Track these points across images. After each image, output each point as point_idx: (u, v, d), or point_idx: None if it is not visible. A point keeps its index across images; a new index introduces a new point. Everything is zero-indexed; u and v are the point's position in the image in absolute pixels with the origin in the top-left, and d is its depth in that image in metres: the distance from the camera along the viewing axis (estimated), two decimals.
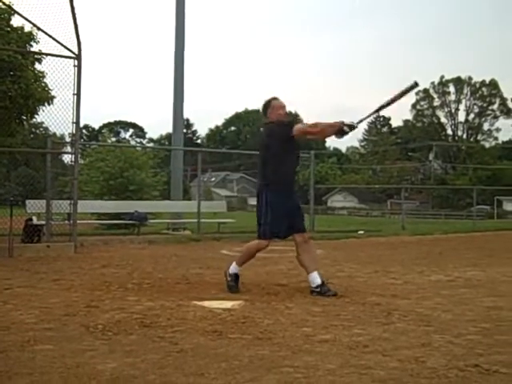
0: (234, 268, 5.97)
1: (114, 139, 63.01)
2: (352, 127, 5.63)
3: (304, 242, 5.90)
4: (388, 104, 5.85)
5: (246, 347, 3.66)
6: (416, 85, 5.85)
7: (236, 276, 5.95)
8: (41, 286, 6.02)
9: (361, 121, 5.79)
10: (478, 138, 76.09)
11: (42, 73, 11.73)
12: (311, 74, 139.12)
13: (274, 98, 6.12)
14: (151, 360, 3.34)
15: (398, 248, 12.22)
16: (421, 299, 5.60)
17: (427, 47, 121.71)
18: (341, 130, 5.63)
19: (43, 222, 10.57)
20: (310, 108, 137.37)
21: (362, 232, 16.68)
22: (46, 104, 11.64)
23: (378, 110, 5.95)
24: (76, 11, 9.38)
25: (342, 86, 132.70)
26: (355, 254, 10.47)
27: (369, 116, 6.00)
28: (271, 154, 5.83)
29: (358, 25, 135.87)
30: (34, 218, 11.06)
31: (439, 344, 3.81)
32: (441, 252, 11.10)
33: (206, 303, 5.10)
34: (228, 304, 5.08)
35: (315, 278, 5.76)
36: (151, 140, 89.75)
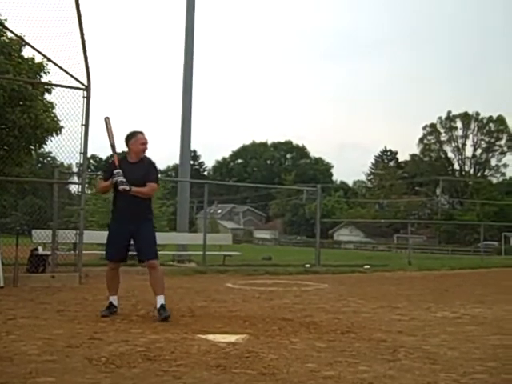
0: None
1: None
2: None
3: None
4: (113, 148, 6.42)
5: (250, 382, 3.62)
6: (108, 119, 6.46)
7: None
8: (44, 317, 6.00)
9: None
10: (486, 173, 76.09)
11: (51, 103, 11.85)
12: (318, 107, 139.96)
13: (140, 132, 6.46)
14: None
15: (404, 283, 12.14)
16: (427, 336, 5.54)
17: (435, 82, 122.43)
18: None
19: (49, 252, 10.56)
20: (317, 142, 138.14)
21: (367, 267, 16.58)
22: (54, 134, 11.74)
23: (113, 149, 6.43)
24: (86, 43, 9.50)
25: (349, 122, 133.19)
26: (361, 289, 10.40)
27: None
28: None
29: (364, 59, 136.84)
30: (40, 248, 11.07)
31: (445, 383, 3.76)
32: (447, 288, 11.02)
33: (210, 337, 5.07)
34: (232, 338, 5.04)
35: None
36: (158, 171, 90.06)
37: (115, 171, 6.16)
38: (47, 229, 11.40)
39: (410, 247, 23.46)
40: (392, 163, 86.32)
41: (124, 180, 6.09)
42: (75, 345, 4.59)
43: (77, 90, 9.84)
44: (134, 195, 6.17)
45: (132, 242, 6.38)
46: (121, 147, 6.60)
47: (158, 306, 6.07)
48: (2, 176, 11.03)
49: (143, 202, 6.30)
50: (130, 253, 6.54)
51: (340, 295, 9.11)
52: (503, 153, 75.00)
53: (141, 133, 6.44)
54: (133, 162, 6.34)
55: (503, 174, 75.73)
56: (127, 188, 6.07)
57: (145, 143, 6.39)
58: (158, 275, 6.28)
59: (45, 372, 3.74)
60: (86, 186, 10.75)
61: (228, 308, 7.12)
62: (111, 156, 6.46)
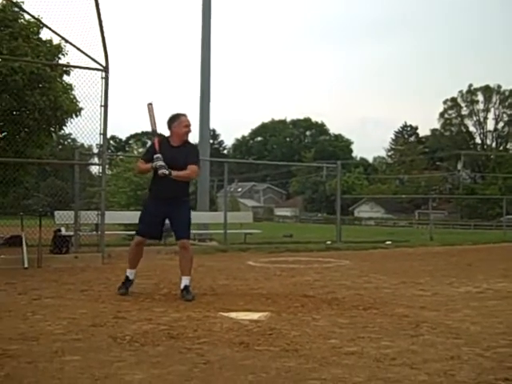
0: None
1: (141, 150, 63.51)
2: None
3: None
4: (155, 134, 6.28)
5: (273, 359, 3.64)
6: (151, 105, 6.35)
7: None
8: (69, 297, 6.07)
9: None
10: (508, 146, 75.24)
11: (70, 85, 11.90)
12: (337, 84, 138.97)
13: (183, 115, 6.37)
14: (178, 372, 3.35)
15: (426, 259, 12.08)
16: (450, 311, 5.52)
17: (455, 56, 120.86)
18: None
19: (71, 233, 10.66)
20: (337, 119, 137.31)
21: (389, 243, 16.54)
22: (73, 116, 11.80)
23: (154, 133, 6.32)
24: (103, 24, 9.48)
25: (368, 98, 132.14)
26: (382, 265, 10.37)
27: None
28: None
29: (387, 37, 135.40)
30: (63, 229, 11.17)
31: (468, 357, 3.75)
32: (470, 263, 10.96)
33: (233, 314, 5.09)
34: (254, 315, 5.06)
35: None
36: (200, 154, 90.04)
37: (155, 156, 6.06)
38: (69, 210, 11.50)
39: (431, 222, 23.33)
40: (412, 138, 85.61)
41: (163, 164, 6.00)
42: (99, 324, 4.64)
43: (95, 72, 9.83)
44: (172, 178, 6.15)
45: (167, 222, 6.38)
46: (163, 131, 6.57)
47: (182, 286, 6.09)
48: (24, 158, 11.13)
49: (181, 185, 6.25)
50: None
51: (361, 271, 9.11)
52: None
53: (184, 115, 6.33)
54: (175, 145, 6.23)
55: None
56: (166, 173, 5.99)
57: (188, 125, 6.29)
58: (187, 256, 6.28)
59: (70, 351, 3.78)
60: (107, 166, 10.80)
61: (250, 286, 7.15)
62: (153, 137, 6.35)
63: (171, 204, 6.21)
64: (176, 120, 6.26)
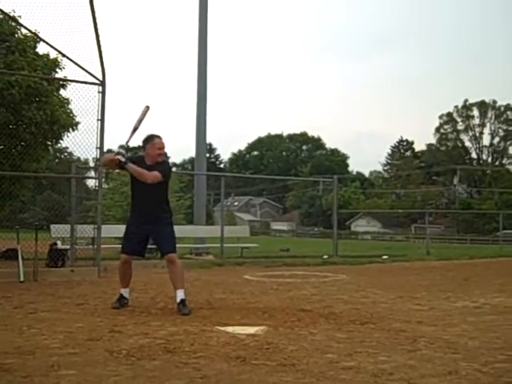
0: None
1: None
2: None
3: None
4: (133, 131, 6.30)
5: (270, 374, 3.62)
6: (147, 108, 6.43)
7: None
8: (65, 311, 6.04)
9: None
10: (504, 161, 75.44)
11: (67, 99, 11.91)
12: (333, 99, 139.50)
13: (157, 136, 6.43)
14: None
15: (423, 273, 12.08)
16: (447, 326, 5.51)
17: (451, 71, 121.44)
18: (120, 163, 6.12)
19: (67, 247, 10.63)
20: (333, 133, 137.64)
21: (386, 257, 16.53)
22: (70, 130, 11.80)
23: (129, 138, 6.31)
24: (100, 38, 9.51)
25: (364, 113, 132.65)
26: (379, 280, 10.37)
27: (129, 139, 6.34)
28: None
29: (382, 52, 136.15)
30: (59, 243, 11.14)
31: (466, 372, 3.74)
32: (467, 278, 10.95)
33: (230, 329, 5.08)
34: (251, 330, 5.04)
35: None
36: (174, 165, 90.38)
37: (120, 145, 6.23)
38: (65, 223, 11.48)
39: (427, 237, 23.30)
40: (408, 153, 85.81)
41: (123, 152, 6.09)
42: (96, 338, 4.62)
43: (92, 86, 9.86)
44: (148, 192, 6.19)
45: (151, 240, 6.42)
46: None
47: (178, 300, 6.08)
48: (20, 172, 11.11)
49: (159, 202, 6.32)
50: (148, 246, 6.57)
51: (358, 286, 9.10)
52: None
53: (158, 137, 6.40)
54: (149, 164, 6.30)
55: None
56: (122, 159, 6.05)
57: (161, 148, 6.35)
58: (177, 269, 6.27)
59: (67, 365, 3.76)
60: (103, 180, 10.80)
61: (246, 300, 7.13)
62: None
63: (150, 222, 6.27)
64: (150, 141, 6.36)
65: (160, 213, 6.34)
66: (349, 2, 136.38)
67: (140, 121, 6.37)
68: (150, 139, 6.37)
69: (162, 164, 6.40)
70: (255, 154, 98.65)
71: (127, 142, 6.25)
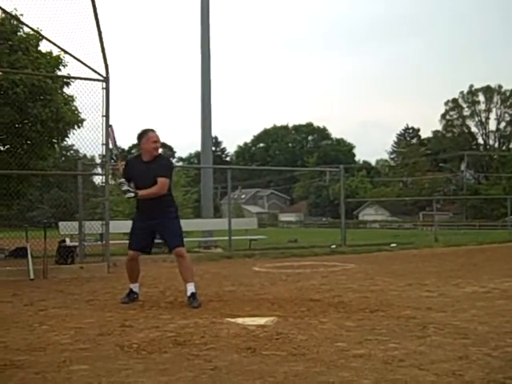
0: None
1: None
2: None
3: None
4: (116, 147, 6.79)
5: (280, 363, 3.64)
6: (111, 127, 7.00)
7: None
8: (75, 307, 6.07)
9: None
10: (510, 146, 75.09)
11: (72, 96, 11.94)
12: (338, 88, 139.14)
13: (151, 130, 6.47)
14: (186, 378, 3.35)
15: (432, 260, 12.07)
16: (457, 312, 5.51)
17: (455, 57, 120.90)
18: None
19: (76, 244, 10.68)
20: (338, 123, 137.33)
21: (394, 245, 16.52)
22: (75, 127, 11.84)
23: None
24: (103, 34, 9.51)
25: (369, 101, 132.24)
26: (388, 267, 10.36)
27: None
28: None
29: (387, 40, 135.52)
30: (67, 240, 11.19)
31: (477, 357, 3.74)
32: (475, 263, 10.94)
33: (240, 320, 5.09)
34: (261, 320, 5.06)
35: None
36: (181, 159, 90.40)
37: (119, 181, 6.29)
38: (73, 220, 11.52)
39: (436, 224, 23.27)
40: (414, 140, 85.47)
41: (128, 188, 6.17)
42: (106, 333, 4.65)
43: (96, 82, 9.85)
44: (151, 187, 6.20)
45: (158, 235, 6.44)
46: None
47: (189, 293, 6.08)
48: (27, 170, 11.16)
49: (162, 197, 6.30)
50: (155, 241, 6.58)
51: (367, 274, 9.10)
52: None
53: (152, 131, 6.40)
54: (146, 160, 6.32)
55: None
56: (132, 195, 6.17)
57: (156, 141, 6.34)
58: (186, 263, 6.27)
59: (78, 360, 3.78)
60: (110, 176, 10.83)
61: (256, 291, 7.15)
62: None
63: (156, 218, 6.27)
64: (144, 136, 6.35)
65: (165, 207, 6.33)
66: None
67: (114, 140, 6.73)
68: (144, 134, 6.37)
69: (160, 161, 6.38)
70: (261, 146, 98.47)
71: (116, 154, 6.56)
